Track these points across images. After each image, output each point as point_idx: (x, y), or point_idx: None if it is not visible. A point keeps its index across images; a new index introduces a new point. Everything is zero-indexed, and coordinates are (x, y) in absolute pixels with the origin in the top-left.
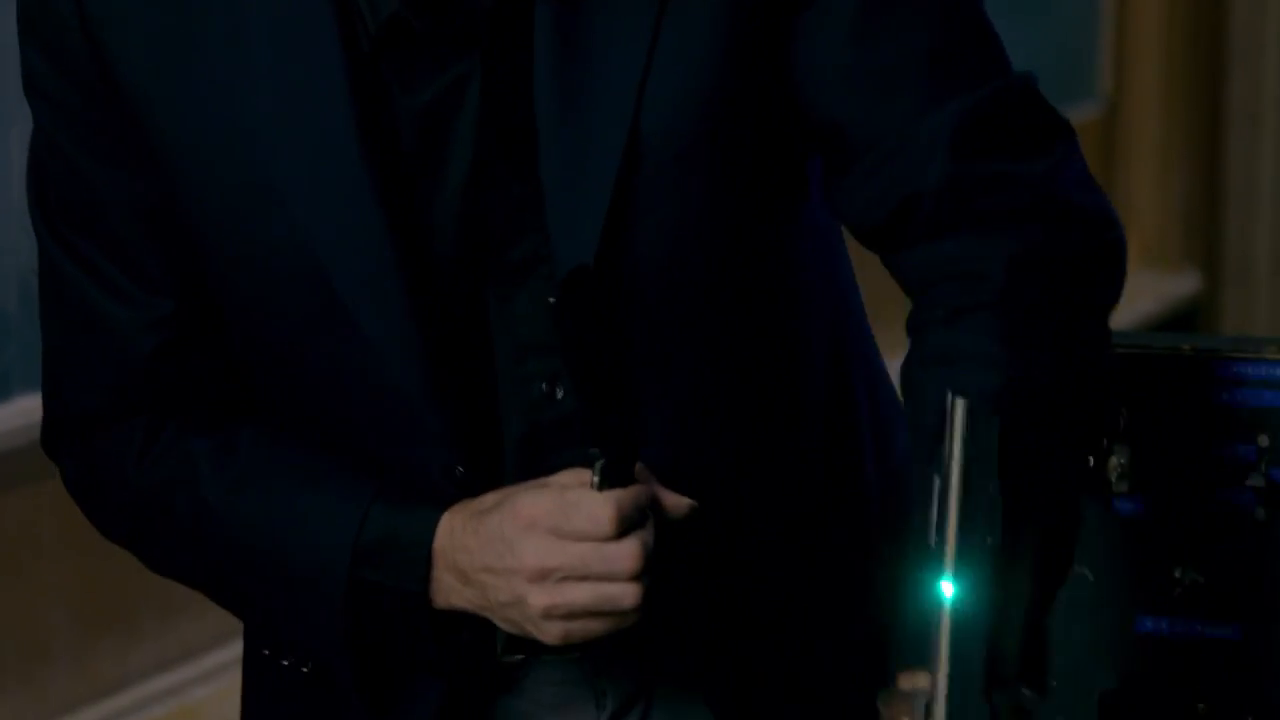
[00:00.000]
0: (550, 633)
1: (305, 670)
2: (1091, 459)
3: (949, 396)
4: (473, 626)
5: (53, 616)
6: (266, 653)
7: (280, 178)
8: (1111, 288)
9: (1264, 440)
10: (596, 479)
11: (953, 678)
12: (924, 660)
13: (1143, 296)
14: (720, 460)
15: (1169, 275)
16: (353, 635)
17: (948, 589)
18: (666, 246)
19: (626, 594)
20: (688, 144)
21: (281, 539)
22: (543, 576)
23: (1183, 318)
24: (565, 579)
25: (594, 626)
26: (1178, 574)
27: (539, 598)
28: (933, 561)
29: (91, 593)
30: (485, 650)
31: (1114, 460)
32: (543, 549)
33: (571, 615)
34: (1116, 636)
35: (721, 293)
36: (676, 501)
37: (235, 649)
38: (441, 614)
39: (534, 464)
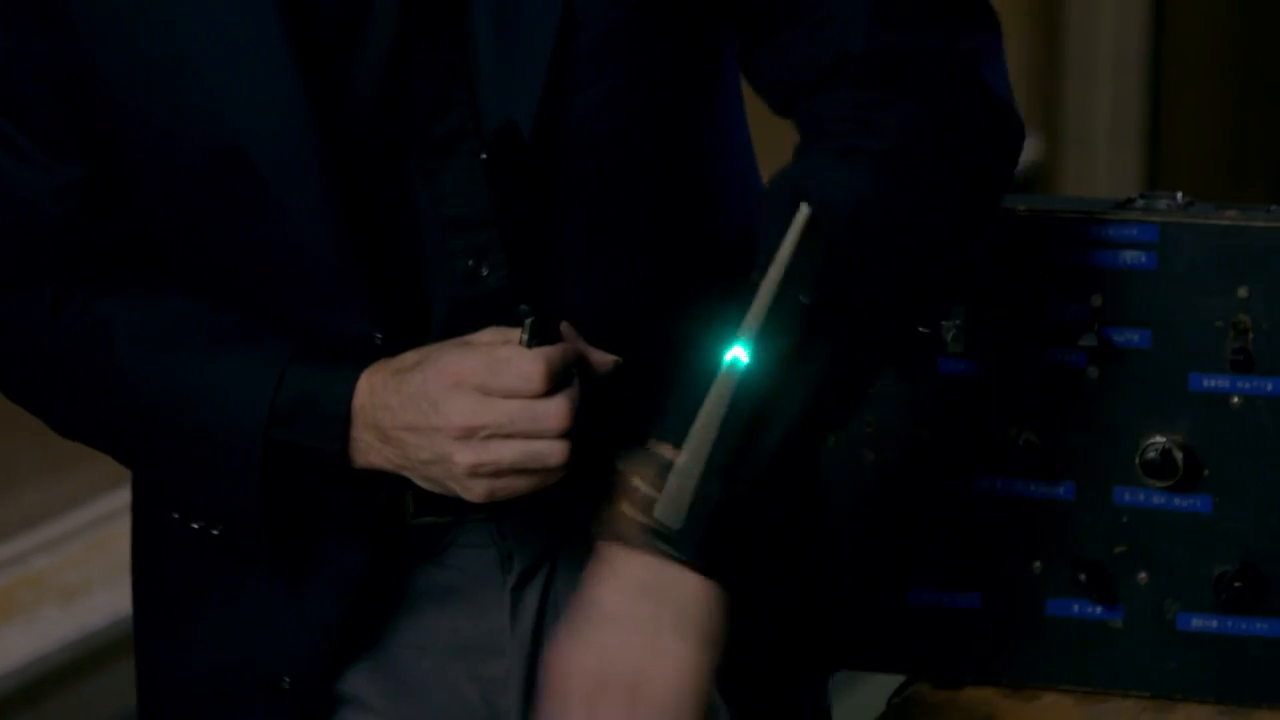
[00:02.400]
0: (475, 490)
1: (215, 533)
2: (927, 330)
3: (801, 204)
4: (388, 488)
5: None
6: (176, 515)
7: (193, 44)
8: (1000, 176)
9: (1097, 300)
10: (526, 336)
11: (711, 455)
12: (668, 432)
13: None
14: (641, 323)
15: None
16: (267, 498)
17: (735, 355)
18: (599, 119)
19: (554, 451)
20: (622, 15)
21: (197, 400)
22: (469, 434)
23: (1022, 183)
24: (492, 436)
25: (519, 484)
26: (1012, 434)
27: (465, 455)
28: (729, 341)
29: None
30: (396, 514)
31: (948, 321)
32: (470, 407)
33: (498, 473)
34: (952, 496)
35: (649, 163)
36: (602, 358)
37: (79, 517)
38: (358, 474)
39: (456, 335)
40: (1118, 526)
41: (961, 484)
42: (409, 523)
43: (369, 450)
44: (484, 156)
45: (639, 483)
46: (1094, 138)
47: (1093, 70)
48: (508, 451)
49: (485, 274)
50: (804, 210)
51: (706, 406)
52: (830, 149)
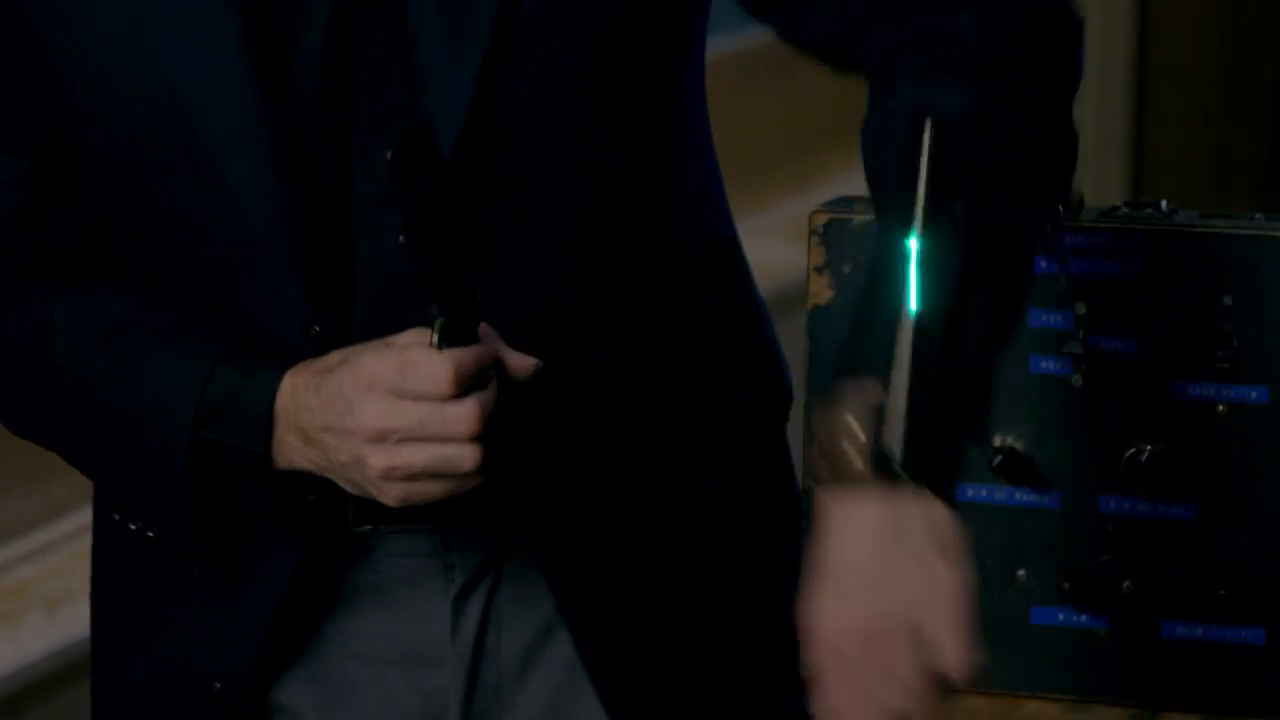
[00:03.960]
0: (389, 494)
1: (151, 535)
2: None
3: (926, 122)
4: (320, 491)
5: None
6: (116, 516)
7: (146, 20)
8: (1073, 60)
9: (1081, 308)
10: (436, 338)
11: (913, 383)
12: (870, 369)
13: None
14: (571, 321)
15: None
16: (196, 497)
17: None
18: (538, 100)
19: (465, 455)
20: None
21: (127, 398)
22: (381, 437)
23: None
24: (404, 440)
25: (434, 489)
26: (997, 442)
27: (378, 458)
28: (901, 254)
29: None
30: (335, 520)
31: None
32: (381, 410)
33: (411, 476)
34: None
35: (589, 152)
36: (521, 361)
37: (63, 526)
38: (286, 476)
39: (385, 318)
40: (1103, 535)
41: None
42: (351, 530)
43: (292, 451)
44: (389, 157)
45: (850, 420)
46: (1079, 146)
47: None
48: (419, 455)
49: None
50: (929, 128)
51: (901, 332)
52: (913, 73)
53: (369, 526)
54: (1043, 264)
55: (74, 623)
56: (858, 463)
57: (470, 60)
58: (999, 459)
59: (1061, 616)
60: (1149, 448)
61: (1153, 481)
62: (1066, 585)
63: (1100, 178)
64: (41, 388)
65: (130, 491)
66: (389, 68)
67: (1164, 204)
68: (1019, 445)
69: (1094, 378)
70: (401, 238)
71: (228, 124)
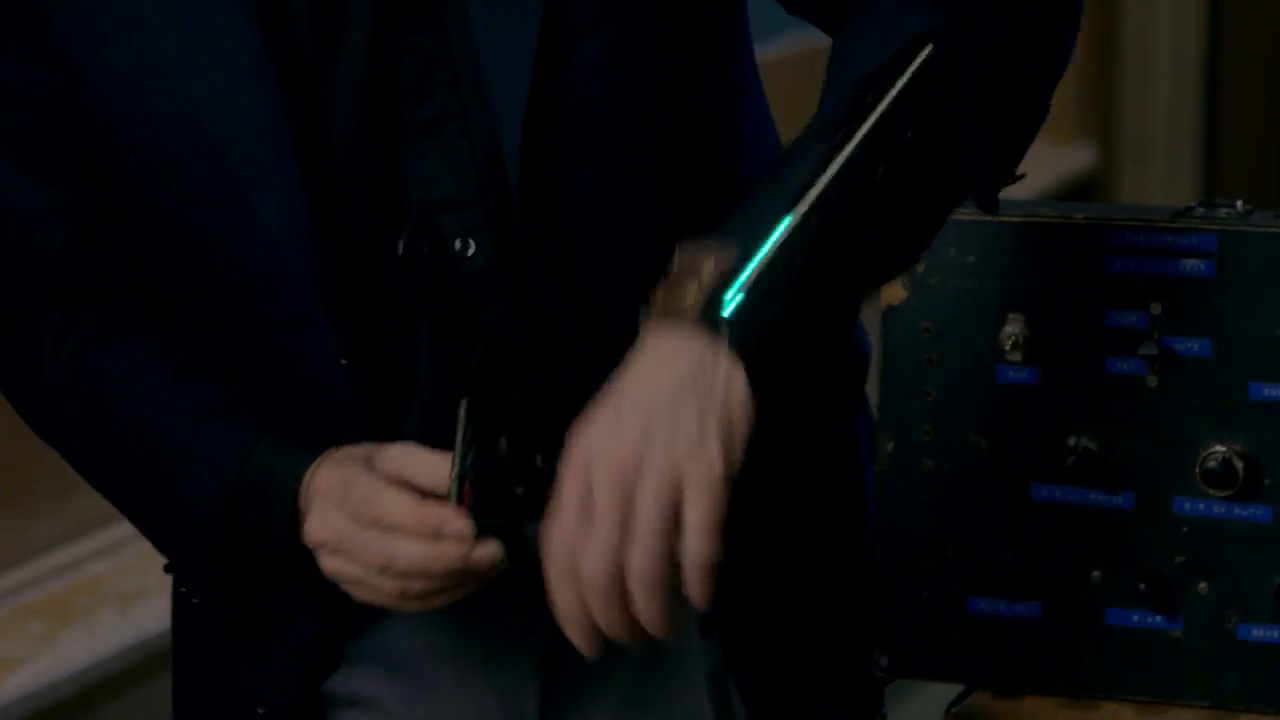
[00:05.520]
0: (405, 609)
1: (195, 600)
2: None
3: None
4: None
5: None
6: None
7: (172, 49)
8: (1063, 47)
9: (1156, 308)
10: (463, 421)
11: (780, 251)
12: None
13: (1039, 170)
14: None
15: (1065, 148)
16: (222, 563)
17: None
18: (600, 72)
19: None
20: None
21: (167, 464)
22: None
23: (1079, 191)
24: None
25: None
26: (1071, 442)
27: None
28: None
29: None
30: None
31: (1007, 329)
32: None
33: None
34: (1011, 505)
35: (659, 118)
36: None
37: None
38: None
39: (453, 321)
40: (1178, 536)
41: (1020, 493)
42: None
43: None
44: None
45: (705, 262)
46: (1151, 146)
47: (1149, 78)
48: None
49: (471, 254)
50: (926, 51)
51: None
52: (889, 6)
53: None
54: (1116, 264)
55: (146, 619)
56: (691, 297)
57: (527, 38)
58: (1073, 459)
59: (1136, 618)
60: (1224, 449)
61: (1228, 482)
62: (1141, 586)
63: (1172, 177)
64: (90, 440)
65: (161, 547)
66: (432, 73)
67: (1239, 203)
68: (1094, 446)
69: (1169, 378)
70: (457, 243)
71: (256, 153)
